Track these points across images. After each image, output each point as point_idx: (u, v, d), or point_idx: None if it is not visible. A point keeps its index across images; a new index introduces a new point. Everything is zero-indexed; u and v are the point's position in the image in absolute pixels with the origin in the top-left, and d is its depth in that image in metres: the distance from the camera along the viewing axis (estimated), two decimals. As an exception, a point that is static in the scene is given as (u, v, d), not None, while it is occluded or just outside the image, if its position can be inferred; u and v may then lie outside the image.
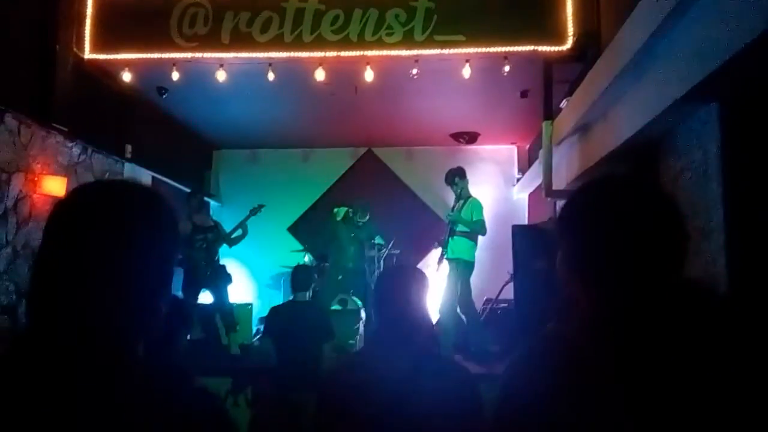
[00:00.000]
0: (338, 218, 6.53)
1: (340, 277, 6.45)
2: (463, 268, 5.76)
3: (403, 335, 1.79)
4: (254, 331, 7.17)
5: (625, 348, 0.95)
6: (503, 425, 1.09)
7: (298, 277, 4.48)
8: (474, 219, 5.73)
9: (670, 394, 0.90)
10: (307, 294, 4.68)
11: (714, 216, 3.01)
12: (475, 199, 5.92)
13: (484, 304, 6.58)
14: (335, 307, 6.26)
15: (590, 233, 1.04)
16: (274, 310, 4.47)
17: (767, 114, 2.78)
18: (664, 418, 0.89)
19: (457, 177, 5.94)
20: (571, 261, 1.07)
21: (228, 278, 6.15)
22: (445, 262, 5.90)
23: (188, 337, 3.57)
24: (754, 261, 2.80)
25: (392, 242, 7.05)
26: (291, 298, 4.65)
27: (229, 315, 5.96)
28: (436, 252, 6.42)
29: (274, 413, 4.04)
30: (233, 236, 6.26)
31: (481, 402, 1.72)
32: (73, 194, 0.94)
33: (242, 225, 6.23)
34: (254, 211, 6.33)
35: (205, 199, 7.21)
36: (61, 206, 0.92)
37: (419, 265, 8.14)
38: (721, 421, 0.88)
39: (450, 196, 6.50)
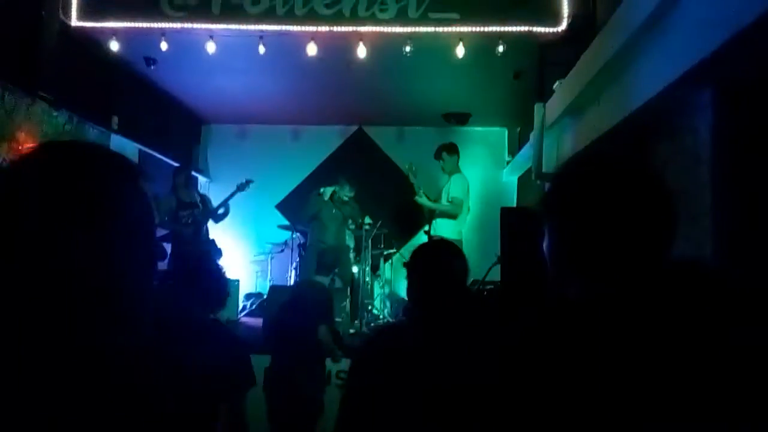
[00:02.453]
0: (325, 198, 6.48)
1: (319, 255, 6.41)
2: (445, 246, 5.77)
3: (446, 310, 1.82)
4: (240, 307, 7.16)
5: (617, 330, 0.94)
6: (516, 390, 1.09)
7: (323, 260, 4.46)
8: (450, 197, 5.72)
9: (660, 377, 0.89)
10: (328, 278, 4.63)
11: (702, 201, 3.02)
12: (458, 175, 5.89)
13: (471, 285, 6.59)
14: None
15: (579, 214, 1.02)
16: (274, 289, 4.46)
17: (761, 100, 2.77)
18: (653, 398, 0.88)
19: (444, 152, 5.94)
20: (559, 243, 1.06)
21: (218, 253, 6.12)
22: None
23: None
24: (741, 247, 2.81)
25: (380, 222, 7.03)
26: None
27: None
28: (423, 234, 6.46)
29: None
30: (219, 212, 6.21)
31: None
32: (36, 154, 0.86)
33: (228, 200, 6.19)
34: (241, 187, 6.28)
35: (193, 174, 7.14)
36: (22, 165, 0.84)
37: (408, 245, 8.18)
38: (710, 400, 0.87)
39: (439, 178, 6.50)
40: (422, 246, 2.19)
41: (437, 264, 1.93)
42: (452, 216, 5.81)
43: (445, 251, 2.03)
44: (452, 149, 5.99)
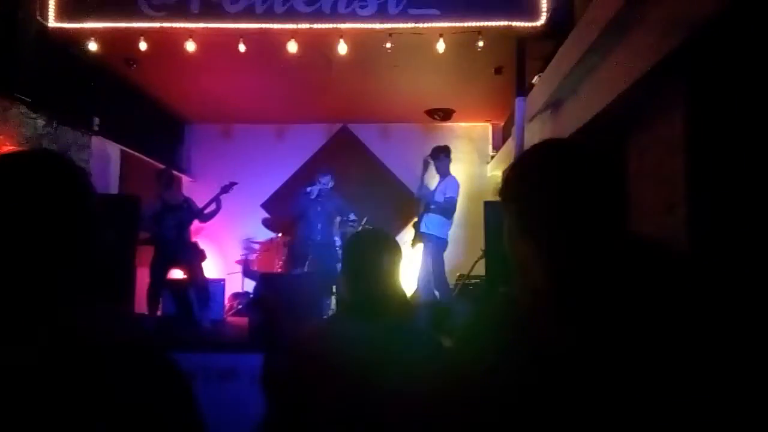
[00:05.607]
0: (312, 196, 6.46)
1: (307, 252, 6.40)
2: (435, 243, 5.79)
3: (375, 304, 1.75)
4: (226, 307, 7.14)
5: (579, 311, 0.95)
6: (446, 391, 1.10)
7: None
8: (446, 196, 5.75)
9: (624, 359, 0.89)
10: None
11: (677, 190, 3.05)
12: (452, 177, 5.96)
13: (457, 280, 6.63)
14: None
15: (538, 195, 1.03)
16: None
17: (733, 90, 2.81)
18: (619, 384, 0.89)
19: (443, 154, 5.99)
20: (519, 225, 1.07)
21: (201, 254, 6.10)
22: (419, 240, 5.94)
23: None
24: (716, 236, 2.85)
25: (366, 219, 7.04)
26: None
27: (202, 290, 5.92)
28: (410, 229, 6.46)
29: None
30: (205, 212, 6.18)
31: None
32: None
33: (214, 201, 6.16)
34: (226, 189, 6.24)
35: (177, 174, 7.10)
36: None
37: (393, 242, 8.19)
38: (676, 381, 0.88)
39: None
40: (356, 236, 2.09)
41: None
42: (448, 213, 5.83)
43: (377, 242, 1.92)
44: (449, 152, 6.06)
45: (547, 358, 0.93)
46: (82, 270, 0.98)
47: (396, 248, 1.87)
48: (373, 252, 1.82)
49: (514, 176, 1.09)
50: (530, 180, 1.06)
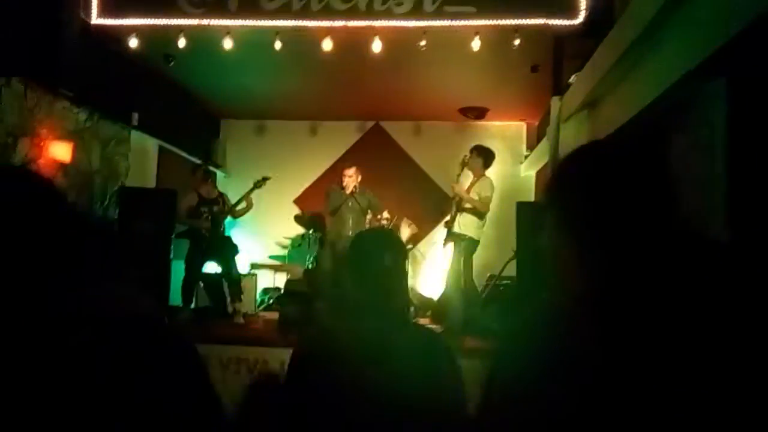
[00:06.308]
0: (348, 191, 6.45)
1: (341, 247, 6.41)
2: (467, 244, 5.75)
3: (376, 301, 1.74)
4: (258, 301, 7.23)
5: (625, 317, 0.92)
6: (491, 399, 1.08)
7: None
8: (483, 195, 5.70)
9: (670, 365, 0.87)
10: None
11: (717, 196, 2.97)
12: (487, 178, 5.91)
13: (487, 281, 6.58)
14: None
15: (584, 199, 1.01)
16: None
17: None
18: (666, 387, 0.87)
19: (483, 155, 5.89)
20: (565, 229, 1.05)
21: (234, 248, 6.19)
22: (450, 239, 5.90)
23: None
24: (756, 241, 2.76)
25: (397, 216, 7.04)
26: None
27: (235, 284, 6.01)
28: (441, 228, 6.42)
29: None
30: (238, 208, 6.27)
31: (456, 372, 1.69)
32: None
33: (246, 197, 6.23)
34: (258, 184, 6.31)
35: (212, 169, 7.21)
36: None
37: (424, 241, 8.18)
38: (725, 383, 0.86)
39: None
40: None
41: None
42: (481, 213, 5.78)
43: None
44: (488, 155, 5.99)
45: (591, 369, 0.91)
46: (103, 260, 1.02)
47: (401, 247, 1.88)
48: (377, 251, 1.81)
49: (555, 180, 1.08)
50: (575, 183, 1.04)
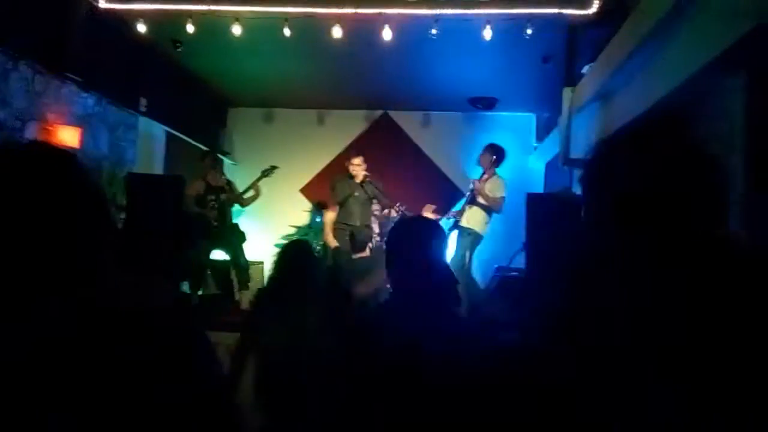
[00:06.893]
0: (357, 181, 6.41)
1: (347, 237, 6.38)
2: (473, 239, 5.73)
3: (418, 293, 1.71)
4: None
5: (669, 297, 0.89)
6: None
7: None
8: (497, 195, 5.69)
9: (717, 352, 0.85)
10: None
11: (734, 190, 2.92)
12: (500, 176, 5.89)
13: (495, 272, 6.54)
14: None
15: (627, 179, 0.97)
16: None
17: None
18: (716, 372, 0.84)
19: (497, 153, 5.89)
20: (604, 209, 1.01)
21: (242, 236, 6.19)
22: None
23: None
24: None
25: (405, 206, 6.99)
26: None
27: (243, 272, 6.02)
28: (447, 219, 6.39)
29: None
30: (246, 196, 6.26)
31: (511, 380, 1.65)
32: None
33: (254, 186, 6.22)
34: (266, 173, 6.30)
35: (219, 157, 7.19)
36: None
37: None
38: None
39: (465, 163, 6.43)
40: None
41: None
42: (493, 210, 5.77)
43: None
44: (498, 152, 5.97)
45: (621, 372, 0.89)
46: (118, 246, 0.99)
47: (442, 233, 1.88)
48: (422, 239, 1.81)
49: (601, 159, 1.04)
50: (619, 164, 1.00)
